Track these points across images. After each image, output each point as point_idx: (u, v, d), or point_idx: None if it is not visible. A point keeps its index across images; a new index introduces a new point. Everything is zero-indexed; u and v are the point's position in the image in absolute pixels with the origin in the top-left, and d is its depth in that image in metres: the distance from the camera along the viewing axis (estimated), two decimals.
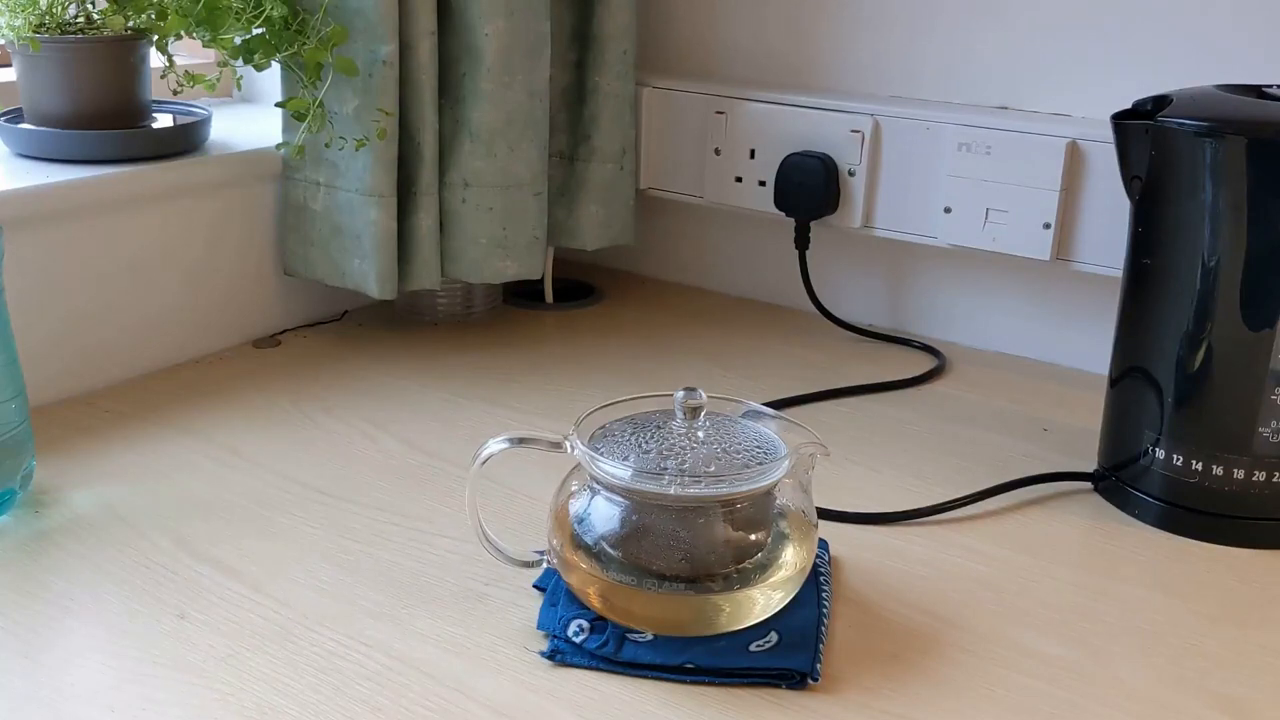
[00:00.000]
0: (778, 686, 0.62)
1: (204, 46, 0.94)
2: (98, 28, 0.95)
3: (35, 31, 0.92)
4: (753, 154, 1.14)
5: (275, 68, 0.98)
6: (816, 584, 0.68)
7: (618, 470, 0.63)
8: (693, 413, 0.66)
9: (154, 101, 1.01)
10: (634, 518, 0.64)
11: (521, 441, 0.66)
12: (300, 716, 0.59)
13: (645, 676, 0.62)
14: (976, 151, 1.02)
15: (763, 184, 1.14)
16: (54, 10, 0.93)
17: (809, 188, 1.10)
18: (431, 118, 1.00)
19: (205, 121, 1.03)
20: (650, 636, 0.64)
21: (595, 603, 0.65)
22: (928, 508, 0.80)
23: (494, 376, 1.01)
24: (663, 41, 1.22)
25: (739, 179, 1.15)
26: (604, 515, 0.64)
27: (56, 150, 0.94)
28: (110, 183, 0.93)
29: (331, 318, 1.13)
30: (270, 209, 1.06)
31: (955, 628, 0.67)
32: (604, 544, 0.64)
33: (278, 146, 1.02)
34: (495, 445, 0.66)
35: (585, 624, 0.64)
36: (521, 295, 1.21)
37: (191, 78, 0.98)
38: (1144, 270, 0.80)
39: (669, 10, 1.21)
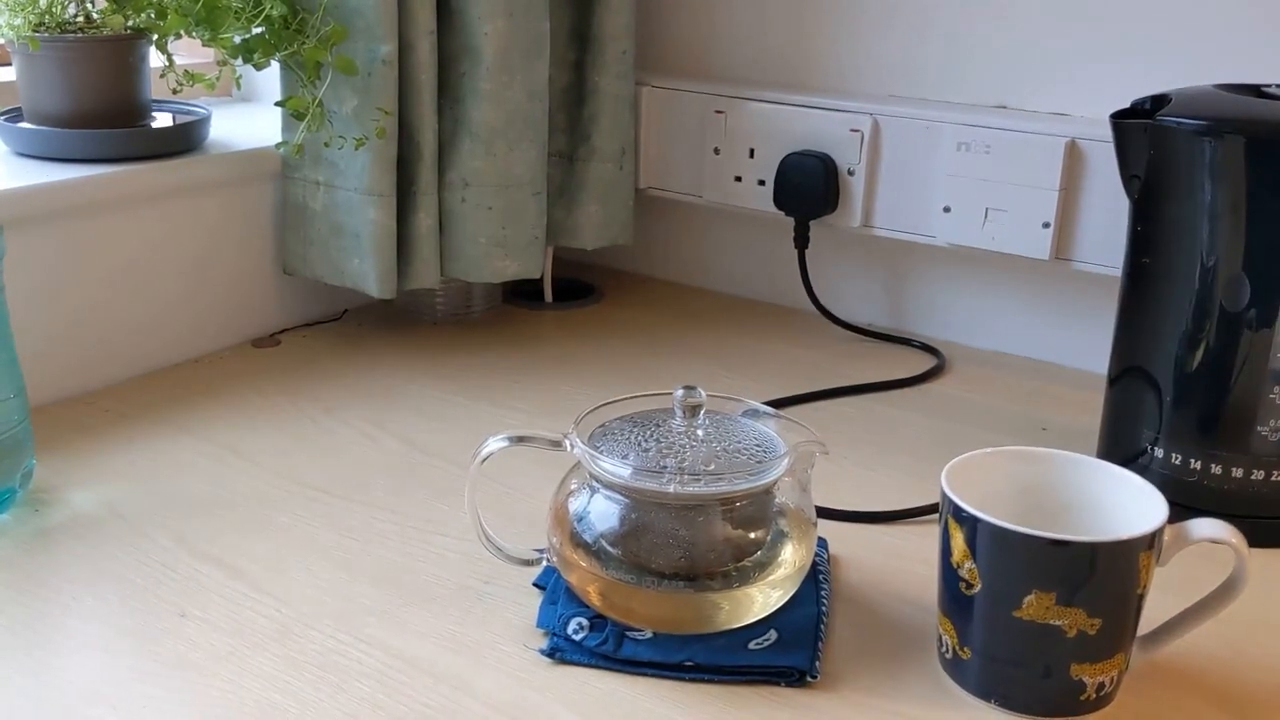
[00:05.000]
0: (777, 684, 0.62)
1: (203, 45, 0.94)
2: (97, 27, 0.95)
3: (35, 31, 0.92)
4: (752, 153, 1.14)
5: (275, 67, 0.98)
6: (816, 582, 0.68)
7: (617, 468, 0.63)
8: (692, 411, 0.66)
9: (153, 101, 1.01)
10: (633, 516, 0.64)
11: (521, 440, 0.66)
12: (300, 714, 0.59)
13: (644, 674, 0.62)
14: (976, 151, 1.02)
15: (762, 183, 1.14)
16: (54, 9, 0.93)
17: (808, 187, 1.10)
18: (431, 117, 1.00)
19: (205, 121, 1.03)
20: (649, 634, 0.64)
21: (595, 600, 0.65)
22: (926, 506, 0.80)
23: (493, 375, 1.01)
24: (662, 41, 1.22)
25: (738, 178, 1.15)
26: (603, 513, 0.65)
27: (56, 149, 0.94)
28: (110, 182, 0.93)
29: (331, 317, 1.13)
30: (270, 208, 1.06)
31: None
32: (603, 542, 0.64)
33: (277, 146, 1.02)
34: (495, 443, 0.66)
35: (585, 622, 0.65)
36: (521, 295, 1.21)
37: (191, 77, 0.98)
38: (1143, 269, 0.80)
39: (669, 10, 1.21)
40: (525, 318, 1.17)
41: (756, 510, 0.65)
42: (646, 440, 0.65)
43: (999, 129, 1.01)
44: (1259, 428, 0.75)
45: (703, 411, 0.67)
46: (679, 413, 0.67)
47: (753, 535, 0.65)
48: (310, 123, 0.96)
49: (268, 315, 1.08)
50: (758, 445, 0.65)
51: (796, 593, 0.66)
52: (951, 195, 1.04)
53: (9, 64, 1.00)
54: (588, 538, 0.65)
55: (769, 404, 0.72)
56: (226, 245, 1.03)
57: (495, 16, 0.99)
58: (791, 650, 0.63)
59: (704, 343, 1.11)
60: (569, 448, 0.65)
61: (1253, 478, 0.76)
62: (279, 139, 1.03)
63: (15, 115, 0.98)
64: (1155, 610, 0.62)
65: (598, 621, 0.65)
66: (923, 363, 1.07)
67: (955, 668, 0.62)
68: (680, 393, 0.66)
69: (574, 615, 0.65)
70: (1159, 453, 0.79)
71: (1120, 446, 0.82)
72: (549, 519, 0.67)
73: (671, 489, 0.63)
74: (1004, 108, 1.05)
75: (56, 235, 0.90)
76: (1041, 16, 1.02)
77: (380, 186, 0.98)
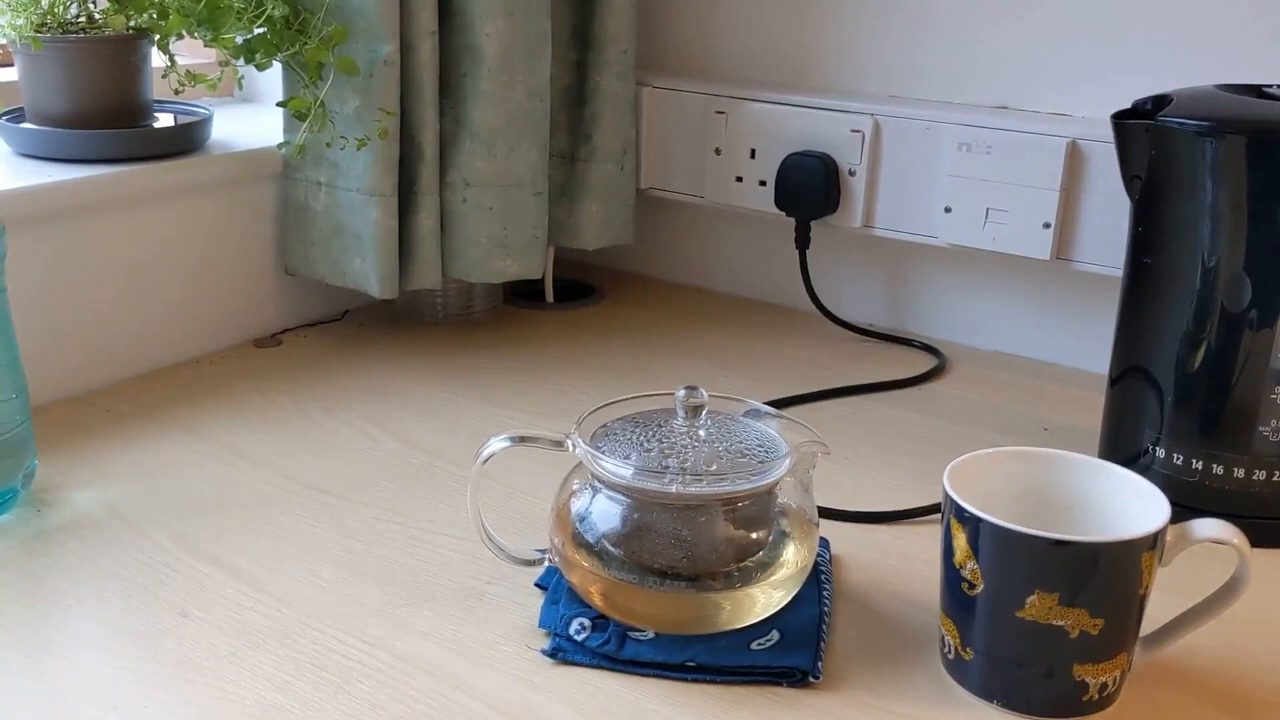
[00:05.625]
0: (779, 684, 0.62)
1: (205, 46, 0.94)
2: (99, 27, 0.95)
3: (37, 31, 0.92)
4: (753, 154, 1.14)
5: (276, 67, 0.98)
6: (818, 582, 0.68)
7: (619, 469, 0.63)
8: (694, 411, 0.66)
9: (155, 101, 1.01)
10: (635, 516, 0.64)
11: (523, 440, 0.66)
12: (302, 714, 0.59)
13: (646, 675, 0.62)
14: (977, 151, 1.02)
15: (763, 184, 1.14)
16: (56, 10, 0.93)
17: (809, 187, 1.10)
18: (432, 117, 1.00)
19: (206, 121, 1.03)
20: (651, 635, 0.64)
21: (597, 601, 0.65)
22: (929, 506, 0.80)
23: (495, 376, 1.01)
24: (663, 41, 1.22)
25: (739, 179, 1.15)
26: (605, 513, 0.65)
27: (58, 150, 0.94)
28: (111, 182, 0.93)
29: (332, 317, 1.13)
30: (271, 208, 1.06)
31: None
32: (605, 542, 0.64)
33: (279, 146, 1.02)
34: (497, 444, 0.66)
35: (587, 622, 0.65)
36: (522, 295, 1.21)
37: (193, 77, 0.98)
38: (1144, 269, 0.80)
39: (669, 10, 1.21)
40: (526, 318, 1.17)
41: (758, 510, 0.65)
42: (649, 440, 0.65)
43: (1000, 129, 1.01)
44: (1260, 428, 0.75)
45: (704, 412, 0.67)
46: (681, 413, 0.67)
47: (755, 535, 0.65)
48: (312, 123, 0.96)
49: (269, 315, 1.08)
50: (759, 445, 0.66)
51: (798, 593, 0.66)
52: (952, 196, 1.04)
53: (10, 64, 1.00)
54: (590, 538, 0.65)
55: (770, 404, 0.72)
56: (228, 245, 1.03)
57: (496, 16, 0.99)
58: (793, 651, 0.63)
59: (705, 343, 1.11)
60: (571, 448, 0.65)
61: (1254, 478, 0.76)
62: (280, 139, 1.03)
63: (17, 115, 0.98)
64: (1157, 610, 0.62)
65: (600, 622, 0.65)
66: (923, 363, 1.07)
67: (957, 668, 0.62)
68: (682, 393, 0.66)
69: (576, 615, 0.65)
70: (1160, 453, 0.79)
71: (1121, 447, 0.82)
72: (551, 519, 0.67)
73: (674, 489, 0.63)
74: (1005, 108, 1.05)
75: (58, 235, 0.91)
76: (1043, 17, 1.02)
77: (382, 187, 0.98)
